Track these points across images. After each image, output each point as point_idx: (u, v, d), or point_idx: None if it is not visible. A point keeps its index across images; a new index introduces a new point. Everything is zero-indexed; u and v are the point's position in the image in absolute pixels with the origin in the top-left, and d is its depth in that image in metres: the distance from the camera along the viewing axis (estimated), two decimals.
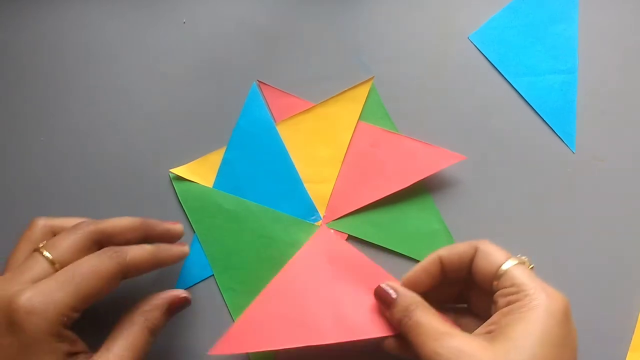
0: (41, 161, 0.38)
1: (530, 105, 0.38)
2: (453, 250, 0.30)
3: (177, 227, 0.33)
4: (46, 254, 0.28)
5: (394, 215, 0.36)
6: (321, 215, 0.36)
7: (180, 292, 0.31)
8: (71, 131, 0.39)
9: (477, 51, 0.39)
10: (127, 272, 0.29)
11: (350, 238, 0.36)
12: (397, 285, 0.30)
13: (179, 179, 0.37)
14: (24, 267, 0.28)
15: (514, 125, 0.37)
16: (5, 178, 0.38)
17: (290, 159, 0.37)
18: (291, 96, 0.38)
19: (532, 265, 0.29)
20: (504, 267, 0.28)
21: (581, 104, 0.38)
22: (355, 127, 0.37)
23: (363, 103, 0.37)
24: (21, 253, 0.29)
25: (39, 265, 0.27)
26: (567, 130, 0.37)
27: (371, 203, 0.36)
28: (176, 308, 0.31)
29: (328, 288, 0.33)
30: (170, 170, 0.37)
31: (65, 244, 0.28)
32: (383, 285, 0.30)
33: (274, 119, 0.38)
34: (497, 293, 0.27)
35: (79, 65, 0.40)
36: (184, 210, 0.36)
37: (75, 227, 0.29)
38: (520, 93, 0.38)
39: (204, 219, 0.36)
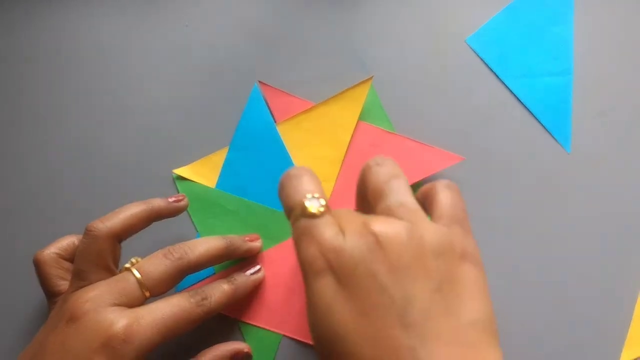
0: (43, 162, 0.39)
1: (526, 107, 0.38)
2: None
3: (258, 244, 0.35)
4: (138, 276, 0.29)
5: None
6: None
7: (244, 347, 0.33)
8: (73, 132, 0.39)
9: (474, 54, 0.40)
10: (210, 315, 0.31)
11: None
12: None
13: (182, 179, 0.37)
14: (116, 285, 0.29)
15: (510, 126, 0.38)
16: (7, 179, 0.38)
17: (290, 159, 0.37)
18: (292, 96, 0.38)
19: None
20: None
21: (576, 106, 0.38)
22: (356, 127, 0.38)
23: (363, 102, 0.38)
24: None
25: (131, 289, 0.29)
26: (562, 132, 0.38)
27: None
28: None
29: (297, 283, 0.35)
30: (173, 170, 0.38)
31: (158, 273, 0.30)
32: None
33: (275, 119, 0.38)
34: None
35: (81, 67, 0.40)
36: (187, 211, 0.37)
37: (167, 254, 0.30)
38: (517, 95, 0.38)
39: (207, 219, 0.37)
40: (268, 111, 0.38)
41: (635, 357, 0.34)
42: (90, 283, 0.29)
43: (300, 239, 0.24)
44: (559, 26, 0.39)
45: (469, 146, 0.37)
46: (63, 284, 0.31)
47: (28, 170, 0.38)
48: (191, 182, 0.37)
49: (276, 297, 0.35)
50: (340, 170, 0.37)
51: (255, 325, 0.34)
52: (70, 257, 0.33)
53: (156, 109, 0.39)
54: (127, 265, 0.31)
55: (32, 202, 0.38)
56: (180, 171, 0.38)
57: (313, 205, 0.24)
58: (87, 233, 0.30)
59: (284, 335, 0.34)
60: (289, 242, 0.36)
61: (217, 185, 0.37)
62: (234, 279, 0.33)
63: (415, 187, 0.36)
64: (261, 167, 0.37)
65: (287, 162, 0.37)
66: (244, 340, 0.34)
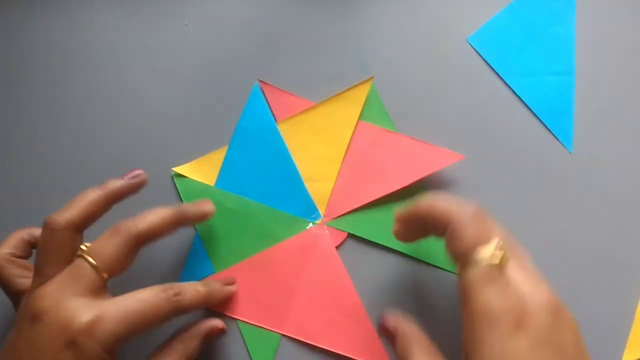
0: (43, 161, 0.39)
1: (528, 106, 0.38)
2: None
3: (208, 207, 0.34)
4: (92, 261, 0.28)
5: (393, 213, 0.36)
6: (321, 214, 0.36)
7: (218, 323, 0.32)
8: (74, 132, 0.39)
9: (476, 53, 0.39)
10: (179, 314, 0.30)
11: (350, 236, 0.36)
12: (399, 319, 0.31)
13: (181, 177, 0.37)
14: (72, 274, 0.28)
15: (511, 126, 0.38)
16: (9, 178, 0.38)
17: (291, 157, 0.37)
18: (292, 95, 0.38)
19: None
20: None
21: (578, 105, 0.38)
22: (356, 126, 0.37)
23: (363, 102, 0.38)
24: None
25: (87, 274, 0.28)
26: (564, 131, 0.38)
27: (371, 202, 0.36)
28: (213, 337, 0.32)
29: (297, 283, 0.35)
30: (172, 168, 0.38)
31: (110, 251, 0.29)
32: (387, 318, 0.31)
33: (275, 118, 0.38)
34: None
35: (82, 66, 0.40)
36: None
37: (115, 230, 0.29)
38: (518, 94, 0.38)
39: None
40: (268, 110, 0.38)
41: (637, 358, 0.33)
42: (48, 279, 0.29)
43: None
44: (560, 25, 0.39)
45: (470, 146, 0.37)
46: (24, 282, 0.31)
47: (29, 167, 0.38)
48: (190, 180, 0.37)
49: (276, 297, 0.35)
50: (340, 169, 0.37)
51: (254, 325, 0.34)
52: (24, 253, 0.32)
53: (155, 108, 0.39)
54: (78, 252, 0.29)
55: (34, 200, 0.38)
56: (180, 169, 0.37)
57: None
58: (45, 227, 0.29)
59: (283, 335, 0.34)
60: (289, 242, 0.36)
61: (217, 183, 0.37)
62: (209, 282, 0.33)
63: (415, 185, 0.36)
64: (261, 166, 0.37)
65: (287, 161, 0.37)
66: (243, 339, 0.34)
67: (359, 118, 0.38)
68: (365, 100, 0.38)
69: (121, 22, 0.41)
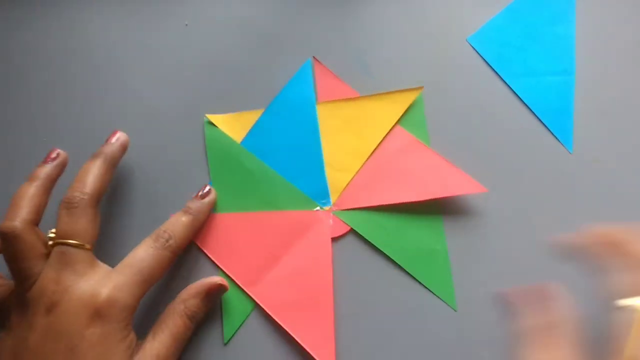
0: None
1: (528, 106, 0.38)
2: None
3: (120, 136, 0.35)
4: (73, 242, 0.30)
5: (400, 223, 0.36)
6: (331, 202, 0.37)
7: (216, 279, 0.33)
8: (74, 132, 0.39)
9: (476, 53, 0.39)
10: (179, 253, 0.32)
11: (353, 233, 0.36)
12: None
13: (212, 126, 0.38)
14: (62, 262, 0.29)
15: (511, 125, 0.38)
16: (9, 178, 0.38)
17: (319, 139, 0.38)
18: (340, 81, 0.39)
19: None
20: None
21: (578, 105, 0.38)
22: (392, 129, 0.38)
23: (406, 108, 0.38)
24: None
25: (76, 255, 0.29)
26: (564, 131, 0.38)
27: (382, 205, 0.36)
28: (214, 294, 0.33)
29: (282, 255, 0.35)
30: (206, 114, 0.38)
31: (80, 226, 0.30)
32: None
33: (317, 97, 0.39)
34: None
35: (82, 66, 0.41)
36: (207, 156, 0.38)
37: (70, 205, 0.30)
38: (518, 94, 0.38)
39: (222, 170, 0.37)
40: (313, 87, 0.39)
41: None
42: (37, 277, 0.29)
43: None
44: (560, 25, 0.40)
45: (469, 145, 0.37)
46: (1, 290, 0.31)
47: (29, 167, 0.38)
48: (219, 131, 0.38)
49: (257, 258, 0.35)
50: (363, 165, 0.37)
51: (232, 282, 0.35)
52: None
53: (156, 107, 0.39)
54: (51, 242, 0.30)
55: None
56: (213, 118, 0.38)
57: None
58: (5, 237, 0.29)
59: (257, 306, 0.35)
60: (291, 213, 0.36)
61: (243, 142, 0.38)
62: (189, 207, 0.34)
63: (429, 202, 0.36)
64: (289, 138, 0.38)
65: (315, 141, 0.37)
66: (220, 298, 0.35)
67: (397, 122, 0.38)
68: (409, 107, 0.38)
69: (121, 22, 0.41)
